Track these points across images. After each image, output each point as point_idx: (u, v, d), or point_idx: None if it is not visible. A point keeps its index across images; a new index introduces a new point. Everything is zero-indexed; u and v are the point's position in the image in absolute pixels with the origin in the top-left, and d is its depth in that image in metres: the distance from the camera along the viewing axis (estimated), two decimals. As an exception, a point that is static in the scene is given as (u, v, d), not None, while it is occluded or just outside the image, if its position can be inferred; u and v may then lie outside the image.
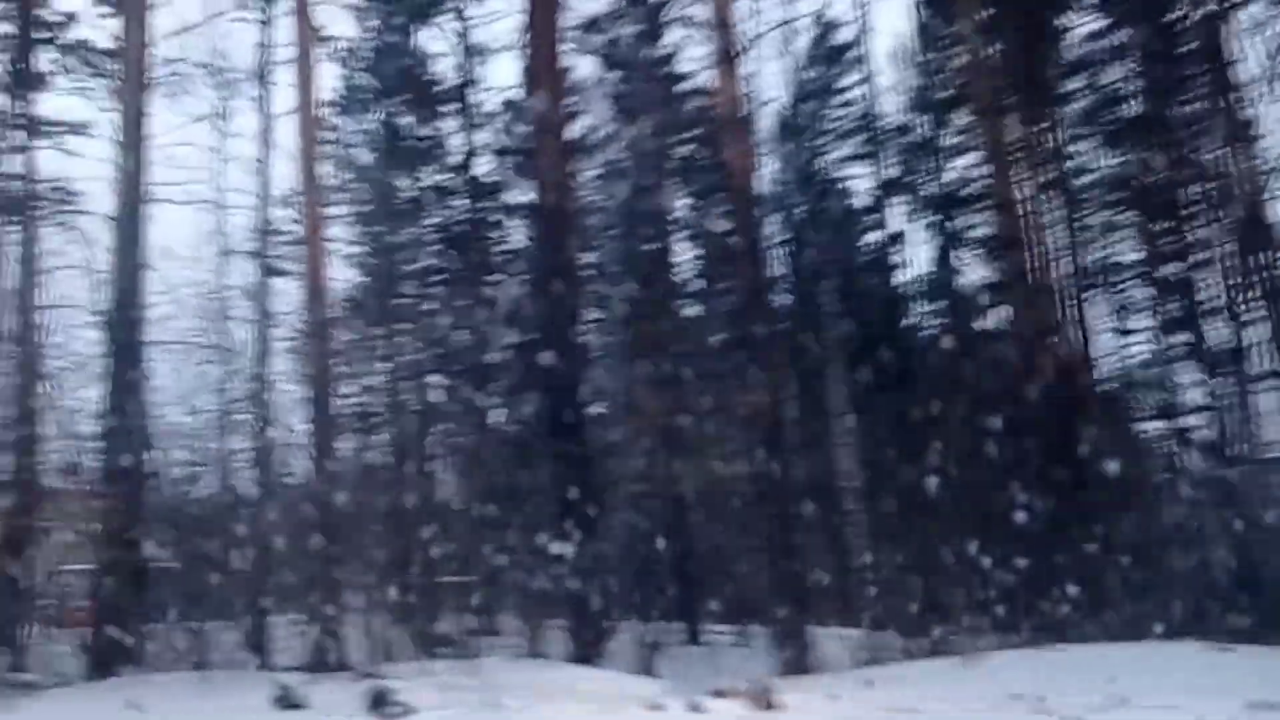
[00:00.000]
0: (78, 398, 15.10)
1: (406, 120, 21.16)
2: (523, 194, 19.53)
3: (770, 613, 12.44)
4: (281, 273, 18.32)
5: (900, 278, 21.62)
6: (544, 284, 15.50)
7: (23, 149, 18.28)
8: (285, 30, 18.74)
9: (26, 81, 18.78)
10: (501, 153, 20.96)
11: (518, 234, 19.44)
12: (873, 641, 12.01)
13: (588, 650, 13.54)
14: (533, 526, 12.79)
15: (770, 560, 11.93)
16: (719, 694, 8.28)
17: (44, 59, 19.01)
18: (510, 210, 20.34)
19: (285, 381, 16.19)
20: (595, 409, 15.20)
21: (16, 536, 13.50)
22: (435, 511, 12.98)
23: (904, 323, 20.37)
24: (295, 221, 18.20)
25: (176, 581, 13.32)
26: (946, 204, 21.43)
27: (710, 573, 14.83)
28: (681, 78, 20.62)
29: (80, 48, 19.21)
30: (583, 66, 19.63)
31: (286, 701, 9.16)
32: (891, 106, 22.49)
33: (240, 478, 15.55)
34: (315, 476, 13.40)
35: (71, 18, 19.07)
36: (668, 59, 20.38)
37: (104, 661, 12.73)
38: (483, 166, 20.84)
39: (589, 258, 17.78)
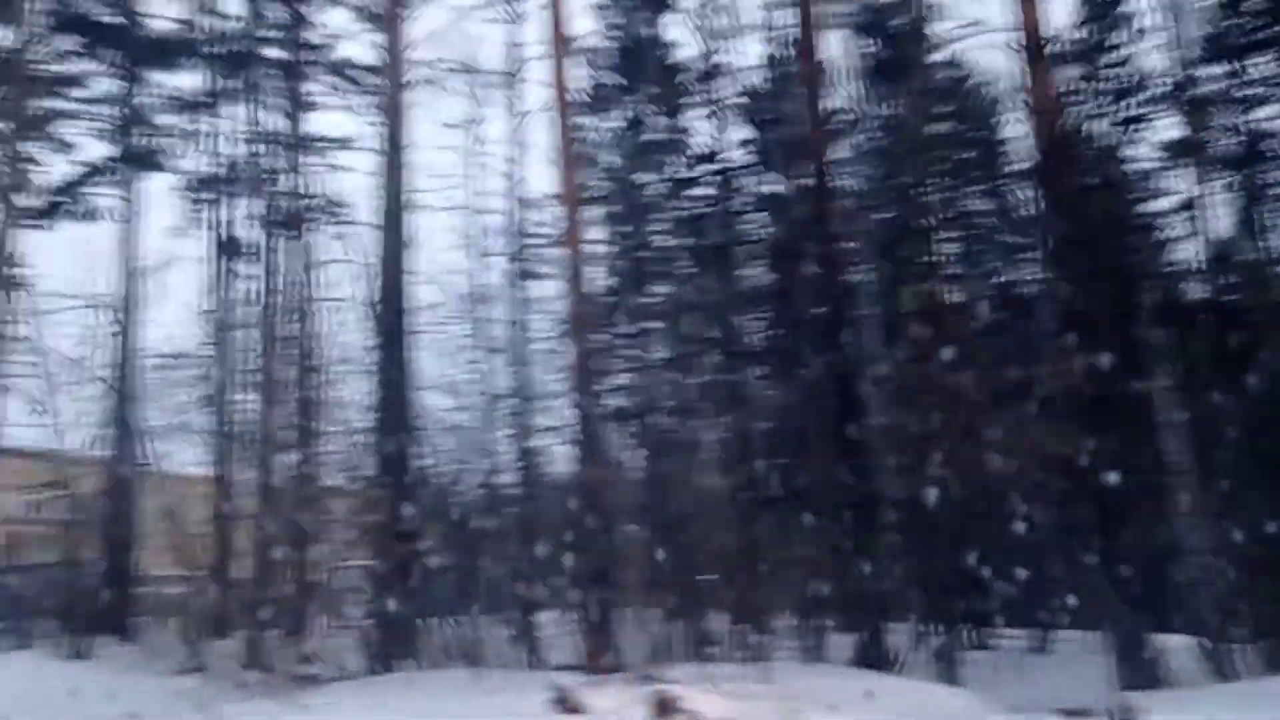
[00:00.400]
0: (351, 397, 15.51)
1: (655, 113, 20.77)
2: (783, 178, 18.67)
3: (1089, 616, 10.94)
4: (539, 271, 18.35)
5: (1197, 244, 19.22)
6: (816, 267, 14.71)
7: (296, 167, 19.18)
8: (533, 30, 18.82)
9: (298, 103, 19.72)
10: (755, 138, 20.15)
11: (778, 220, 18.55)
12: (1216, 651, 10.30)
13: (867, 653, 12.55)
14: (809, 520, 11.90)
15: (1086, 557, 10.44)
16: (1070, 714, 7.02)
17: (312, 80, 19.92)
18: (768, 197, 19.52)
19: (548, 377, 16.10)
20: (873, 394, 14.11)
21: (300, 531, 13.87)
22: (706, 505, 12.29)
23: (1213, 292, 18.03)
24: (552, 219, 18.21)
25: (448, 576, 13.26)
26: (1250, 161, 18.88)
27: (1004, 569, 13.28)
28: (939, 44, 19.15)
29: (344, 66, 19.99)
30: (838, 40, 18.53)
31: (565, 704, 8.65)
32: (1177, 59, 20.04)
33: (507, 472, 15.49)
34: (581, 470, 13.04)
35: (335, 38, 19.90)
36: (925, 22, 18.93)
37: (382, 656, 12.83)
38: (736, 154, 20.09)
39: (856, 237, 16.66)
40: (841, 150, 18.29)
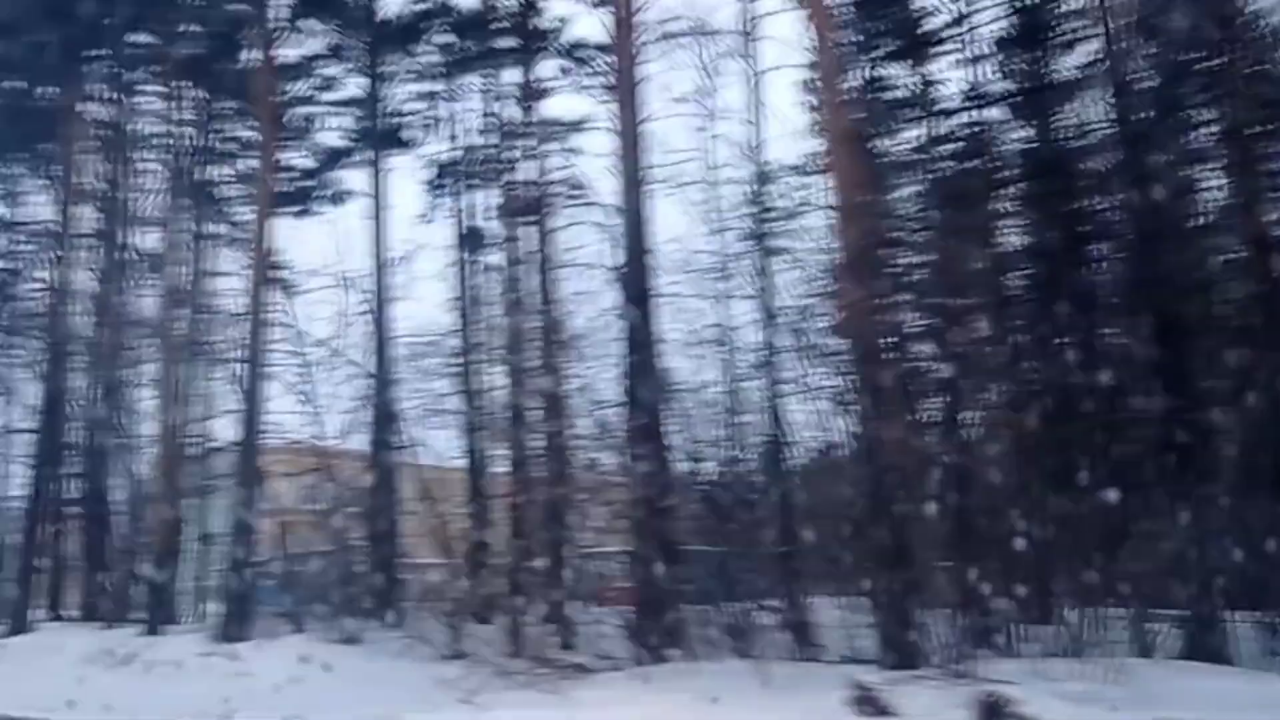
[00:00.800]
0: (601, 377, 14.95)
1: (904, 65, 19.26)
2: (1046, 128, 16.83)
3: None
4: (787, 237, 17.32)
5: None
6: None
7: (533, 151, 18.93)
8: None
9: (532, 88, 19.47)
10: (1014, 87, 18.28)
11: (1043, 172, 16.69)
12: None
13: (1199, 645, 10.86)
14: (1126, 497, 10.31)
15: None
16: None
17: (545, 63, 19.64)
18: (1029, 149, 17.67)
19: (810, 346, 14.95)
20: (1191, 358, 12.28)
21: (557, 514, 13.46)
22: (1004, 480, 10.87)
23: None
24: (801, 182, 17.21)
25: (713, 559, 12.42)
26: None
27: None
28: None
29: (575, 48, 19.57)
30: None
31: (871, 705, 7.57)
32: None
33: (765, 453, 14.49)
34: (856, 444, 11.89)
35: (565, 22, 19.51)
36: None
37: (648, 644, 12.08)
38: (993, 104, 18.28)
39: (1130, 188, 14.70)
40: (1110, 93, 16.32)
